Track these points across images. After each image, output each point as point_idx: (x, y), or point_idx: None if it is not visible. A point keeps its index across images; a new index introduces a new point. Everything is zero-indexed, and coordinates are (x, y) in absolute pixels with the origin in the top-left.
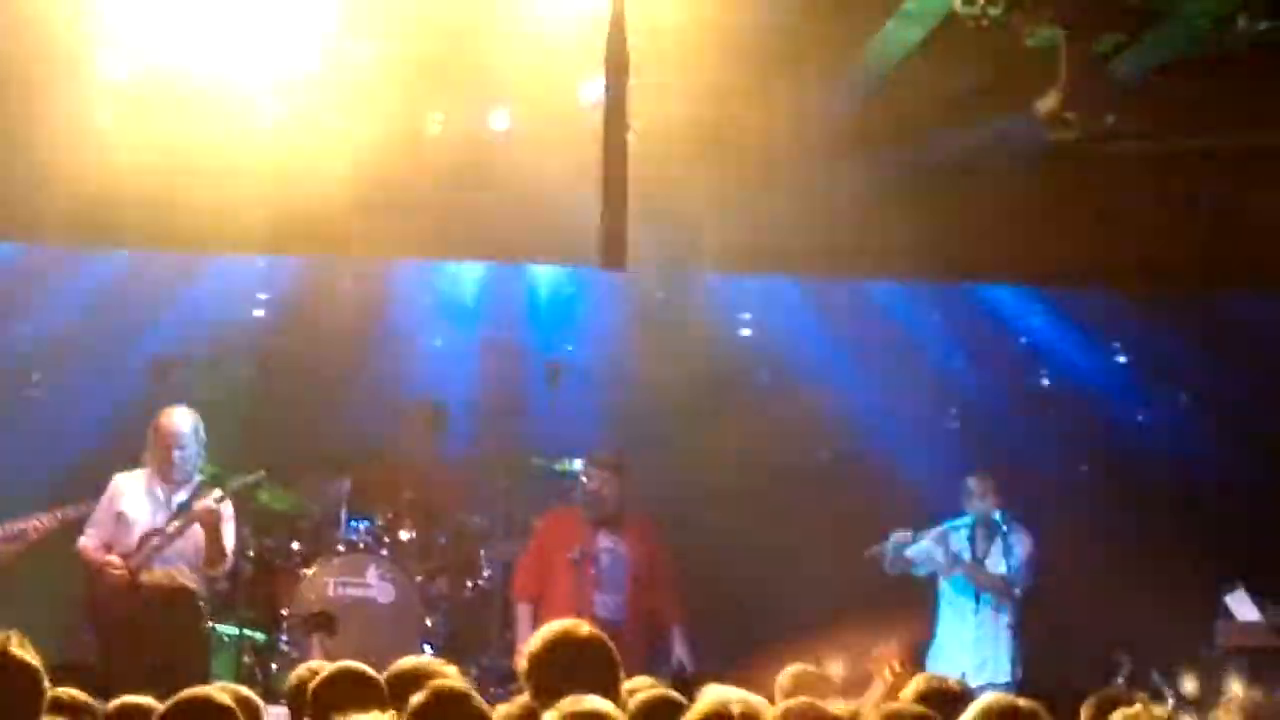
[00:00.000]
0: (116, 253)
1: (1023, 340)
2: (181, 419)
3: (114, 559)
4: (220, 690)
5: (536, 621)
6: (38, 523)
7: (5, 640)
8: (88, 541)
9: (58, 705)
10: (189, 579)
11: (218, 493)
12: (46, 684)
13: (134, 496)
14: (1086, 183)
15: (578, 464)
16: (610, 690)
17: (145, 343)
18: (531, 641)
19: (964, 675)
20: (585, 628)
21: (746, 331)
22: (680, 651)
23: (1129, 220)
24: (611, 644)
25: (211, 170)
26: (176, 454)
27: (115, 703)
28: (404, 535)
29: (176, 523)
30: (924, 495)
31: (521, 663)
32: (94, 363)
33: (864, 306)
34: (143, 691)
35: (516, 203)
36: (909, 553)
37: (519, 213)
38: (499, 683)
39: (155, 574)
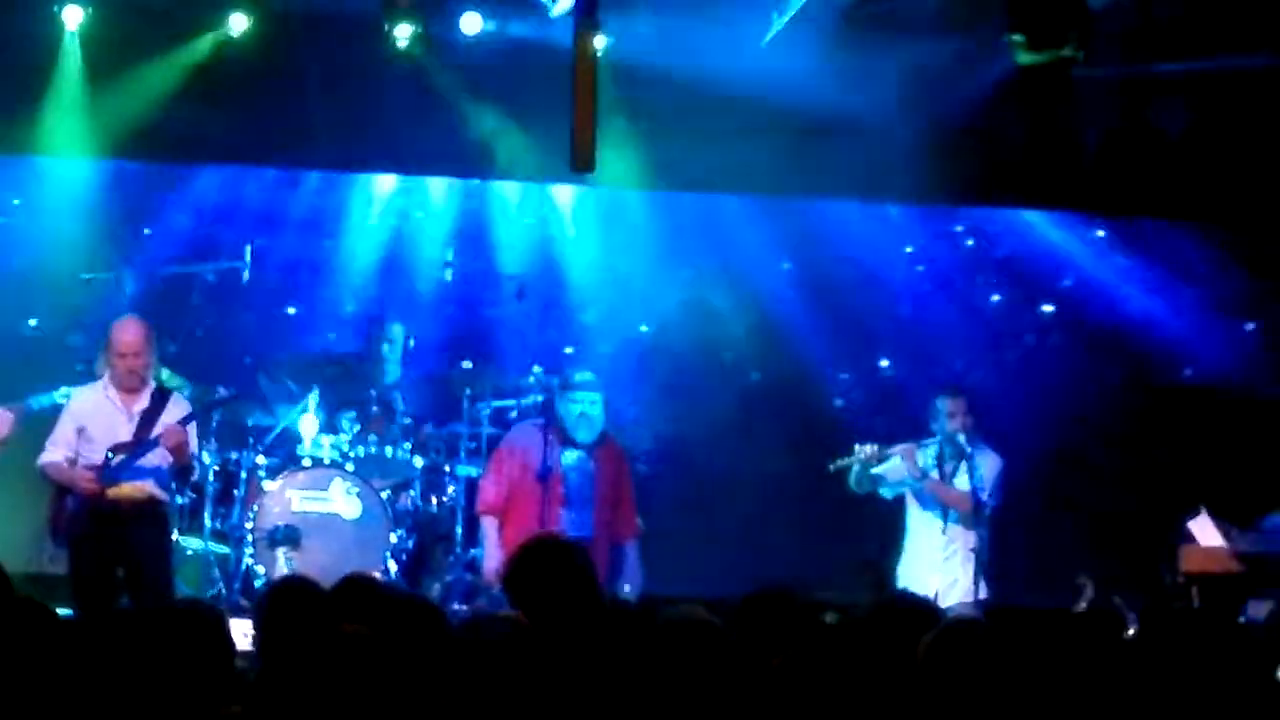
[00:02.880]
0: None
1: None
2: (135, 328)
3: (85, 472)
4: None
5: (502, 536)
6: None
7: None
8: (51, 457)
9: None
10: (156, 490)
11: (183, 405)
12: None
13: (94, 409)
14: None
15: (536, 379)
16: (590, 598)
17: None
18: (512, 553)
19: (935, 595)
20: (562, 538)
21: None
22: (634, 568)
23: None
24: (588, 553)
25: None
26: (133, 362)
27: None
28: (370, 450)
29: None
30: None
31: (497, 572)
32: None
33: (821, 225)
34: (112, 603)
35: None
36: (876, 469)
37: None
38: (463, 598)
39: (123, 488)
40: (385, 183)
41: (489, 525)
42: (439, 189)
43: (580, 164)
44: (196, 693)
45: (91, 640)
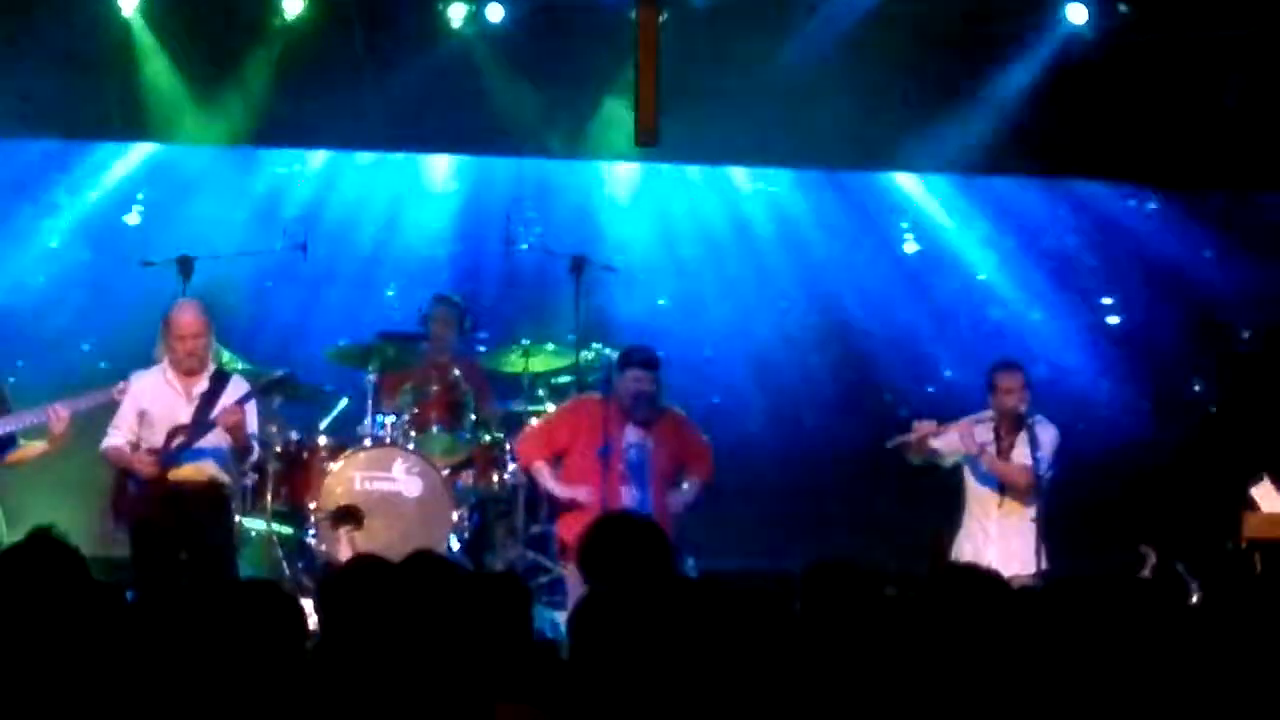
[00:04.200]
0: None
1: (1059, 234)
2: (193, 311)
3: (145, 455)
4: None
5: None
6: (55, 412)
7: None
8: (112, 441)
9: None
10: (218, 472)
11: (240, 386)
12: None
13: (154, 393)
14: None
15: (596, 355)
16: (665, 572)
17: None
18: (586, 528)
19: (994, 568)
20: (636, 513)
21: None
22: (684, 493)
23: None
24: (661, 528)
25: None
26: (191, 345)
27: None
28: (430, 429)
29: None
30: (952, 388)
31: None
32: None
33: (885, 196)
34: (174, 585)
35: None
36: (934, 443)
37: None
38: (525, 576)
39: (184, 469)
40: (440, 162)
41: (539, 469)
42: (494, 168)
43: (645, 137)
44: (273, 672)
45: (166, 621)
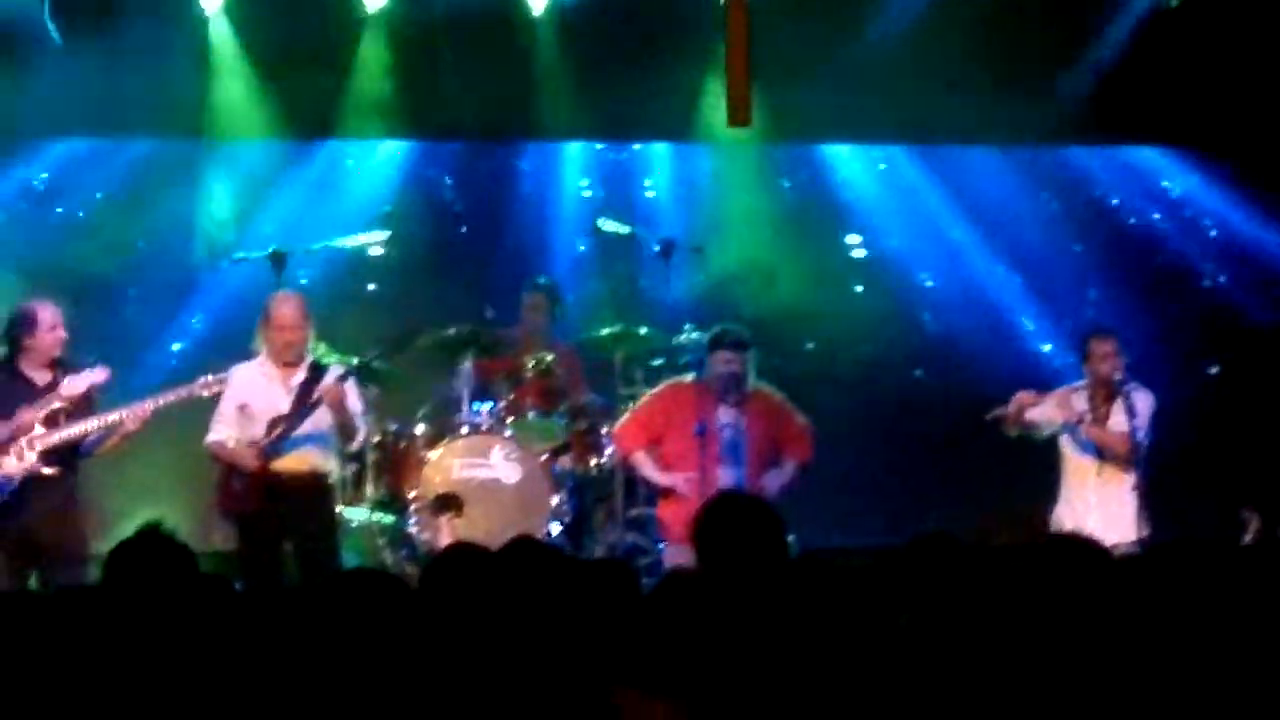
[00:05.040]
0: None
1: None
2: (292, 303)
3: (246, 449)
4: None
5: (659, 465)
6: (130, 412)
7: (155, 523)
8: (215, 436)
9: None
10: (320, 461)
11: (338, 370)
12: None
13: (253, 386)
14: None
15: (688, 338)
16: (777, 554)
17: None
18: (701, 509)
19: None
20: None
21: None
22: (779, 474)
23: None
24: (775, 510)
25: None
26: (290, 336)
27: None
28: (527, 416)
29: (302, 411)
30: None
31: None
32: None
33: (976, 171)
34: (281, 576)
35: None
36: (1030, 415)
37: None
38: (626, 558)
39: (286, 459)
40: (528, 150)
41: (641, 459)
42: (583, 152)
43: (737, 118)
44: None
45: (275, 613)
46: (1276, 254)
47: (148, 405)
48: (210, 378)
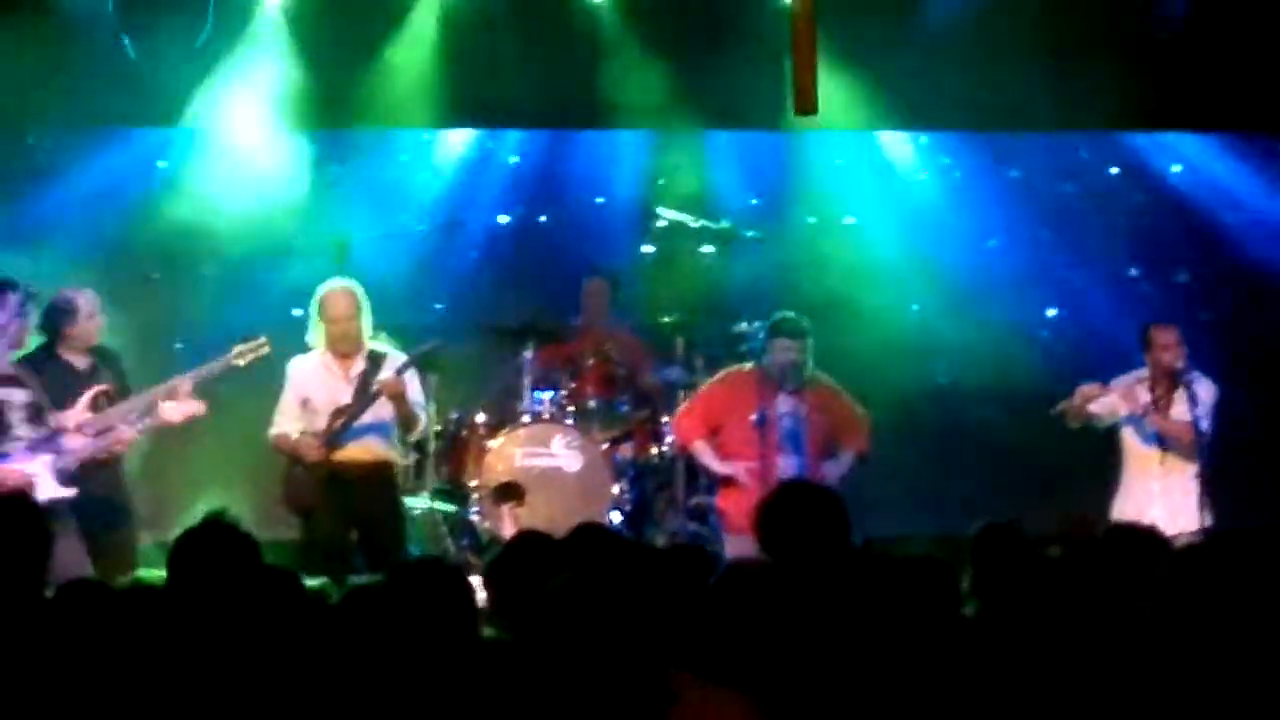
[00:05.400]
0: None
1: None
2: (345, 294)
3: (310, 440)
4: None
5: (718, 454)
6: (167, 389)
7: (220, 513)
8: (279, 429)
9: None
10: (382, 450)
11: (397, 360)
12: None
13: (314, 378)
14: None
15: (747, 326)
16: (841, 543)
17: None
18: (766, 497)
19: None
20: (817, 484)
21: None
22: (837, 464)
23: None
24: (840, 500)
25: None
26: (346, 327)
27: None
28: (588, 404)
29: (363, 403)
30: (1106, 347)
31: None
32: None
33: (1028, 156)
34: (347, 566)
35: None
36: (1092, 408)
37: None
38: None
39: (349, 449)
40: (587, 138)
41: (700, 449)
42: (643, 140)
43: (803, 107)
44: (446, 649)
45: (340, 604)
46: None
47: (185, 381)
48: (243, 346)
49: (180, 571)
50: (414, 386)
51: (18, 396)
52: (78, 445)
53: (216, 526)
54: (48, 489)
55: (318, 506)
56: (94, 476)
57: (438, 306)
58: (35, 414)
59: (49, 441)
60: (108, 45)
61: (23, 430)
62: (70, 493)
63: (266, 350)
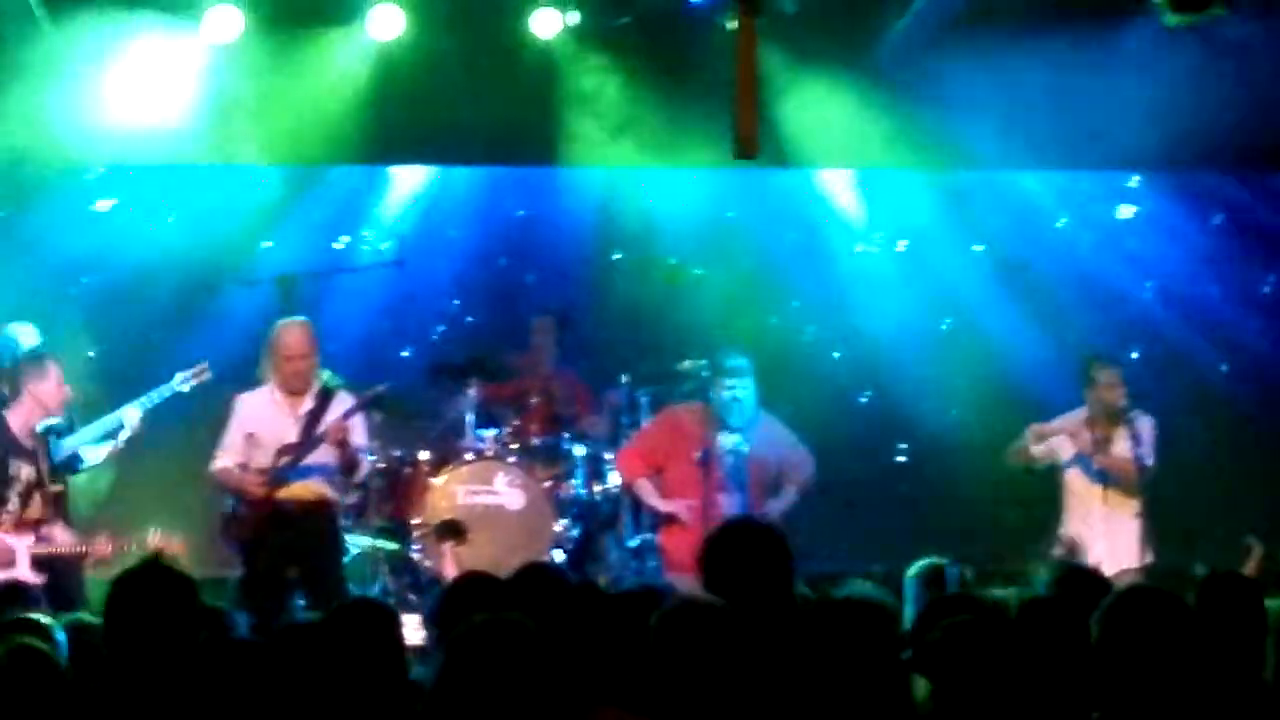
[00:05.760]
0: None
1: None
2: (299, 331)
3: (253, 476)
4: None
5: (661, 492)
6: (126, 415)
7: (158, 553)
8: (221, 464)
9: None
10: (325, 489)
11: (347, 401)
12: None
13: (261, 414)
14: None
15: (692, 364)
16: (784, 581)
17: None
18: (709, 536)
19: (1100, 564)
20: (760, 521)
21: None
22: (780, 499)
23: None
24: (783, 537)
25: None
26: (298, 365)
27: None
28: (531, 442)
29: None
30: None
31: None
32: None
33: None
34: (285, 603)
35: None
36: (1033, 450)
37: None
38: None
39: (293, 487)
40: (536, 176)
41: (643, 487)
42: (581, 180)
43: (743, 150)
44: (371, 690)
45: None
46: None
47: (133, 410)
48: (185, 372)
49: (117, 612)
50: (358, 432)
51: (25, 473)
52: (60, 540)
53: (154, 568)
54: (21, 570)
55: (258, 543)
56: (61, 567)
57: (383, 343)
58: (29, 492)
59: (35, 526)
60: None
61: (14, 507)
62: (38, 580)
63: (208, 375)
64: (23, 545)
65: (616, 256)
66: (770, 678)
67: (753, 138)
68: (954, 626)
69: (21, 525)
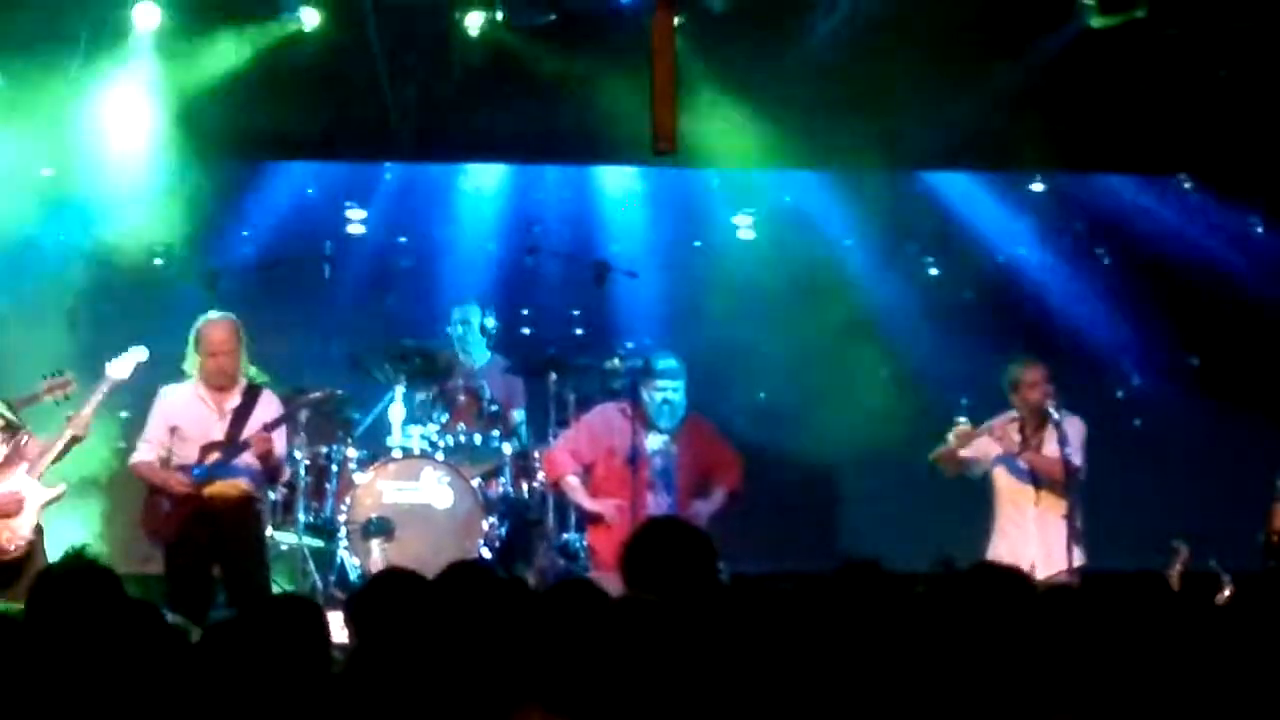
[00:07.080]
0: None
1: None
2: (225, 326)
3: (179, 475)
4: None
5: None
6: (77, 420)
7: (80, 549)
8: (143, 457)
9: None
10: (250, 487)
11: (273, 401)
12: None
13: (186, 408)
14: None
15: (621, 363)
16: (708, 580)
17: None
18: (631, 534)
19: (1031, 566)
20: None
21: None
22: (708, 503)
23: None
24: (706, 536)
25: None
26: (223, 361)
27: None
28: (459, 439)
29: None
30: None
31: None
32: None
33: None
34: (209, 601)
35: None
36: (964, 454)
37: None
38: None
39: (217, 485)
40: (465, 171)
41: (571, 485)
42: (511, 175)
43: (662, 145)
44: (296, 685)
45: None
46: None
47: (85, 413)
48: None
49: (40, 606)
50: (281, 442)
51: None
52: None
53: (77, 562)
54: None
55: (181, 539)
56: None
57: (310, 338)
58: None
59: None
60: None
61: None
62: None
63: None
64: None
65: (538, 251)
66: (690, 674)
67: (670, 134)
68: None
69: None
